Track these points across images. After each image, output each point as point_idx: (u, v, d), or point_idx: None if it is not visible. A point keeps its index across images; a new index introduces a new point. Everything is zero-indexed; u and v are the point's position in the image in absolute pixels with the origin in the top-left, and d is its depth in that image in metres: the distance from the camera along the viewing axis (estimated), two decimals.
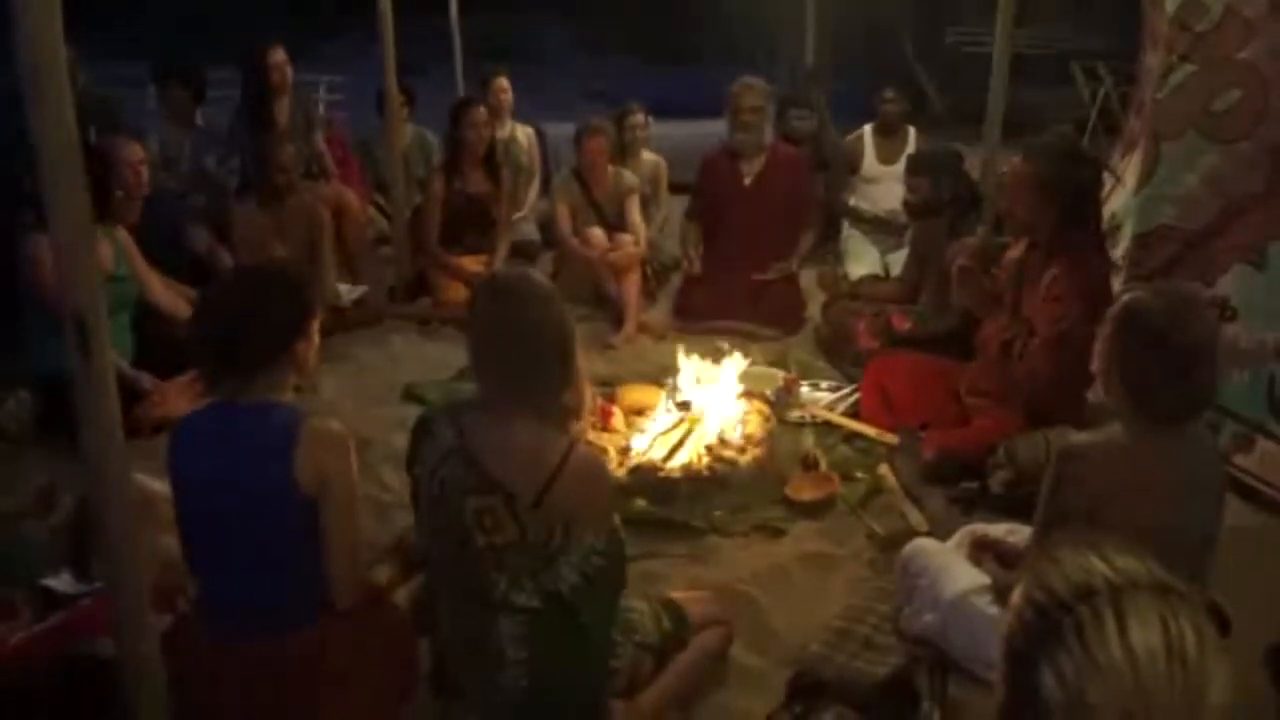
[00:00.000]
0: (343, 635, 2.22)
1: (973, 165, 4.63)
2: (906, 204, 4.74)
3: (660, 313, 5.38)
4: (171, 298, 4.26)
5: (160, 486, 2.63)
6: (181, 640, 2.25)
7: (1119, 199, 4.31)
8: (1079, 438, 2.38)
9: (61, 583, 2.72)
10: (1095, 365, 2.32)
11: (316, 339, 2.31)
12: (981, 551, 2.71)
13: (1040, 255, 3.50)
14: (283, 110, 5.55)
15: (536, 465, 2.08)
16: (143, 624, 2.13)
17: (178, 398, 3.79)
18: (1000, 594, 2.49)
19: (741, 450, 3.63)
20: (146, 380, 3.91)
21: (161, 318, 4.21)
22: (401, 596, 2.61)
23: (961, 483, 3.48)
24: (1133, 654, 1.07)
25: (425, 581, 2.62)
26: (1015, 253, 3.68)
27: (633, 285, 5.13)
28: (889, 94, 5.80)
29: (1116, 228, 4.19)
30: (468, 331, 2.20)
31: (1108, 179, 4.26)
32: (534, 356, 2.12)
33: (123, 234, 4.09)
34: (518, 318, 2.12)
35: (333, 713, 2.19)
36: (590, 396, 2.24)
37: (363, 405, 4.28)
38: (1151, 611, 1.10)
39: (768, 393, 4.13)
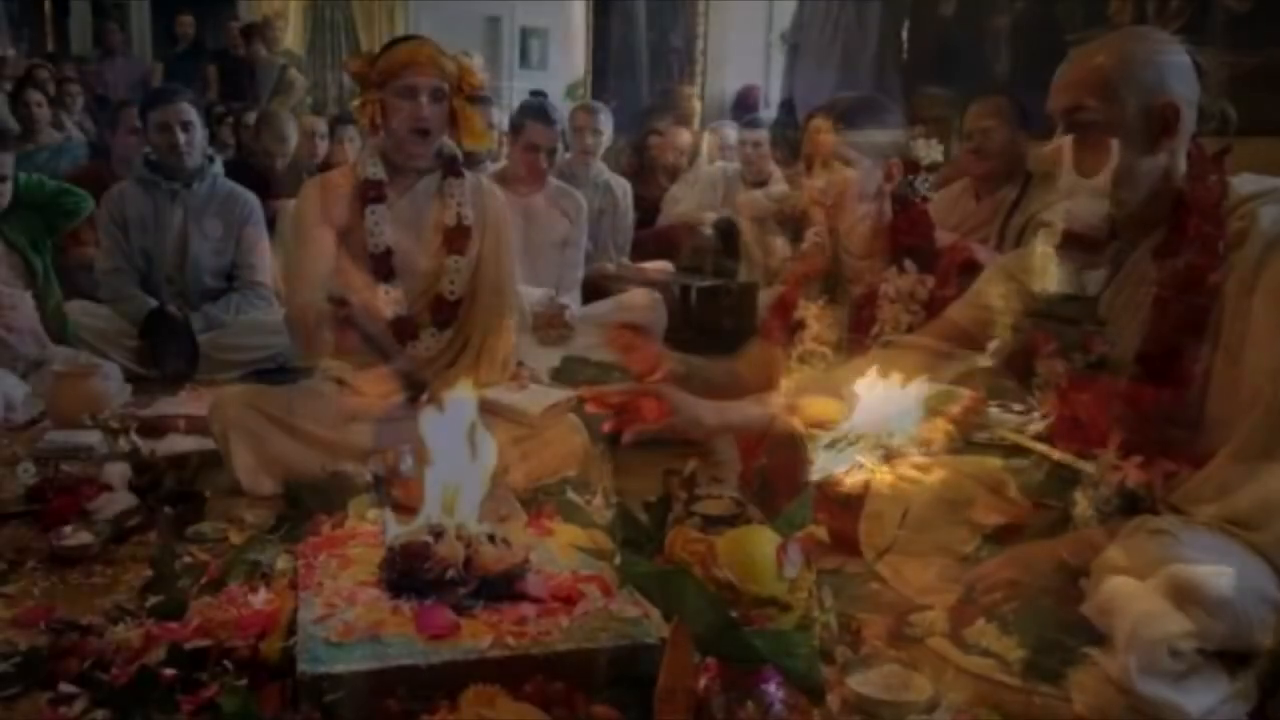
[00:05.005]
0: None
1: None
2: (1112, 220, 4.52)
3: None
4: None
5: None
6: None
7: None
8: None
9: None
10: None
11: None
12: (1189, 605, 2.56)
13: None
14: None
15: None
16: None
17: None
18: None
19: (925, 470, 3.56)
20: None
21: None
22: None
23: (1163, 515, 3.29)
24: None
25: None
26: (1218, 276, 3.45)
27: None
28: (1090, 102, 5.53)
29: None
30: None
31: None
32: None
33: None
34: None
35: None
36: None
37: None
38: None
39: (953, 411, 4.02)
